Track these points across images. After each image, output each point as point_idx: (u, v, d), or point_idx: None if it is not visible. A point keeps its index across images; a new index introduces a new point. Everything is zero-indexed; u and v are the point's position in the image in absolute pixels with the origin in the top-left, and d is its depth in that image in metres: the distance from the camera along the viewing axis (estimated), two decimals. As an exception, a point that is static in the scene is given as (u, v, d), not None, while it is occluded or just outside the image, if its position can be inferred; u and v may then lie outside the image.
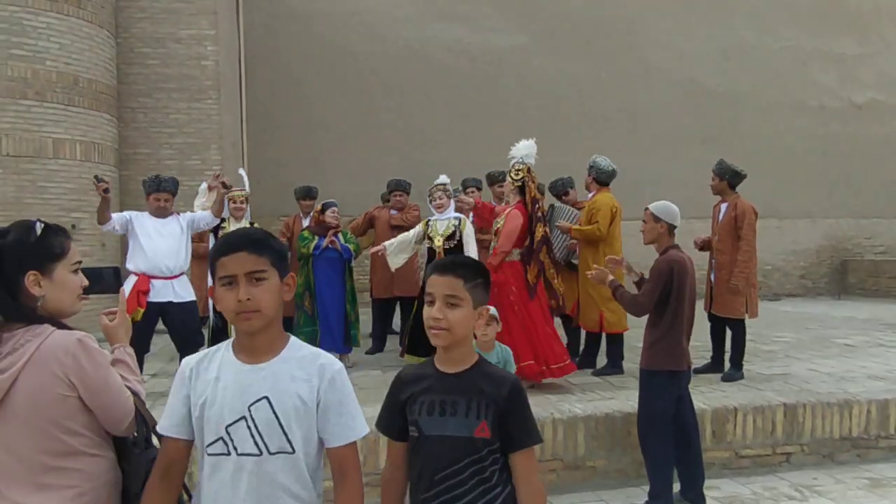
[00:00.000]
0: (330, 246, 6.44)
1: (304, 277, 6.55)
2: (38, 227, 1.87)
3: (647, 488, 4.06)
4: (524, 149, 5.65)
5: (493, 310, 4.55)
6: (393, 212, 7.58)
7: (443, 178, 6.52)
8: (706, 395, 5.03)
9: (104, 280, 2.08)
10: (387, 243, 6.52)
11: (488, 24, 13.01)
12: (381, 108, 12.53)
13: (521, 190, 5.60)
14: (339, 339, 6.42)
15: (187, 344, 5.57)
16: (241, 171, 6.68)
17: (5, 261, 1.78)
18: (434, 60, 12.76)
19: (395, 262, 6.44)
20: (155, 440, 1.93)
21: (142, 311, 5.26)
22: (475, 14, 12.96)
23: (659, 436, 4.01)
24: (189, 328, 5.58)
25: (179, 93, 9.47)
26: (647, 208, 4.21)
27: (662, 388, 4.01)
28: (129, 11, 9.28)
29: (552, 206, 6.75)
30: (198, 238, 6.44)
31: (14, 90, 7.75)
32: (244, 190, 6.49)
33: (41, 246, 1.86)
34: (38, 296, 1.83)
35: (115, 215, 5.42)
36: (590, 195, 6.37)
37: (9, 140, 7.73)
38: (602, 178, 6.27)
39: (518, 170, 5.59)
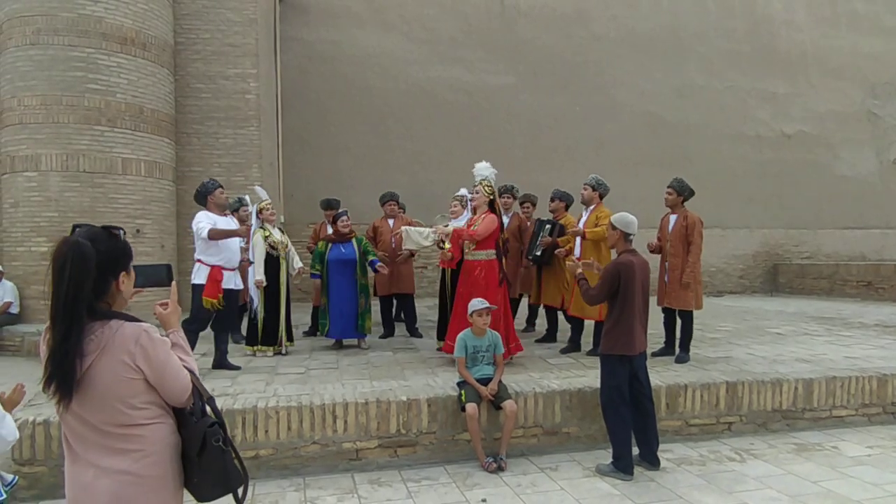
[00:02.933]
0: (343, 251, 6.34)
1: (322, 278, 6.50)
2: (122, 233, 1.85)
3: (612, 451, 4.07)
4: (486, 169, 5.54)
5: (486, 302, 4.55)
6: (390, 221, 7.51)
7: (462, 191, 6.32)
8: (661, 375, 5.03)
9: (161, 276, 2.07)
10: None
11: (482, 66, 13.01)
12: (392, 135, 12.53)
13: (491, 201, 5.53)
14: (350, 327, 6.35)
15: (226, 324, 5.63)
16: (258, 188, 6.47)
17: (103, 263, 1.73)
18: (437, 96, 12.76)
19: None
20: (209, 410, 1.91)
21: (220, 296, 5.34)
22: (471, 58, 12.97)
23: (615, 408, 4.04)
24: (233, 313, 5.66)
25: (227, 121, 9.47)
26: (609, 219, 4.25)
27: (615, 369, 4.04)
28: (186, 53, 9.28)
29: (539, 219, 6.71)
30: None
31: (90, 118, 7.75)
32: (267, 200, 6.20)
33: (128, 248, 1.85)
34: (124, 291, 1.82)
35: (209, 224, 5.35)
36: (591, 207, 6.04)
37: (85, 159, 7.72)
38: (605, 193, 6.12)
39: (488, 185, 5.50)
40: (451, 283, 6.14)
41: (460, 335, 4.52)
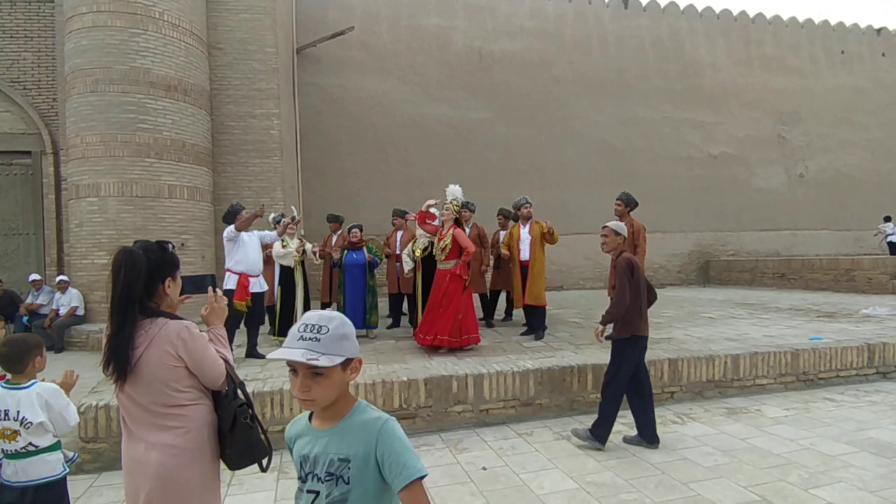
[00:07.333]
0: (355, 256, 6.33)
1: (339, 278, 6.49)
2: (171, 246, 1.84)
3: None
4: (457, 192, 5.65)
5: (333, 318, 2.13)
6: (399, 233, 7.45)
7: (429, 202, 6.31)
8: (616, 353, 5.02)
9: (205, 284, 2.05)
10: (403, 263, 6.41)
11: (464, 104, 13.02)
12: (392, 161, 12.49)
13: (457, 218, 5.60)
14: (360, 320, 6.33)
15: (255, 320, 5.55)
16: (292, 206, 6.58)
17: (151, 269, 1.73)
18: (427, 128, 12.74)
19: (406, 269, 6.31)
20: (240, 393, 1.88)
21: (248, 299, 5.33)
22: (455, 97, 12.97)
23: (617, 385, 3.67)
24: (260, 311, 5.61)
25: (254, 152, 9.40)
26: (606, 226, 3.80)
27: (626, 352, 3.66)
28: (220, 97, 9.22)
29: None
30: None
31: (141, 151, 7.67)
32: (295, 217, 6.30)
33: (175, 259, 1.84)
34: (169, 295, 1.80)
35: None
36: (529, 221, 6.28)
37: (137, 185, 7.64)
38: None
39: (455, 204, 5.59)
40: (423, 282, 6.15)
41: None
